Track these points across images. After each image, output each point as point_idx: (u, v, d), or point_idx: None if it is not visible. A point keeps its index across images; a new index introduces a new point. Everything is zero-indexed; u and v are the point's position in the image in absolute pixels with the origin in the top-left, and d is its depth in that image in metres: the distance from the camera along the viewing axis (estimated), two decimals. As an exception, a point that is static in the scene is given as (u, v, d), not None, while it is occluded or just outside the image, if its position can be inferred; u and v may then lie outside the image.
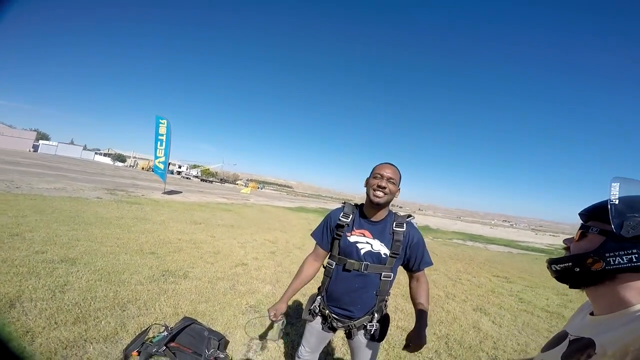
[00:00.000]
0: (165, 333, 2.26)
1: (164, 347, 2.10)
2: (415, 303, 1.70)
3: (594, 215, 0.80)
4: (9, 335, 2.28)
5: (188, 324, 2.48)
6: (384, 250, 1.63)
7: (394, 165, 1.67)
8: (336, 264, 1.69)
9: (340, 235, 1.69)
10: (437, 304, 4.99)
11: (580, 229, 0.82)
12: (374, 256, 1.63)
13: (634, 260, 0.68)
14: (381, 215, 1.68)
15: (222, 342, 2.49)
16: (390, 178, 1.60)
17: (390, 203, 1.68)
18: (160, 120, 16.71)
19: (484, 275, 8.28)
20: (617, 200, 0.72)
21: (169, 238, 6.44)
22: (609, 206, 0.73)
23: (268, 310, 1.78)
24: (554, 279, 0.87)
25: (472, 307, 5.13)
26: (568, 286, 0.84)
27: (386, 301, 1.74)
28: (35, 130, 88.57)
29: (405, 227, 1.66)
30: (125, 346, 2.31)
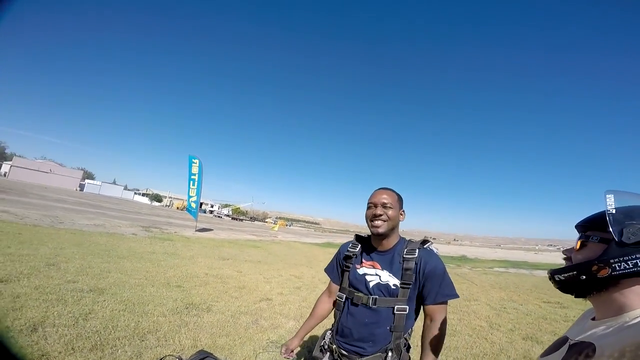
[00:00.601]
0: (178, 364, 2.15)
1: (175, 379, 1.98)
2: (422, 348, 1.46)
3: (592, 225, 0.83)
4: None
5: (203, 357, 2.35)
6: (393, 280, 1.46)
7: (388, 189, 1.56)
8: (346, 297, 1.58)
9: (349, 267, 1.60)
10: (480, 335, 4.49)
11: (579, 238, 0.84)
12: (383, 288, 1.47)
13: (639, 264, 0.70)
14: (389, 243, 1.54)
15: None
16: (385, 203, 1.48)
17: (397, 229, 1.55)
18: (193, 160, 17.53)
19: (532, 302, 7.48)
20: (615, 210, 0.76)
21: (196, 272, 6.46)
22: (607, 216, 0.76)
23: (281, 346, 1.68)
24: (557, 289, 0.87)
25: (522, 336, 4.60)
26: (573, 296, 0.85)
27: (406, 338, 1.50)
28: (82, 169, 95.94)
29: (417, 254, 1.47)
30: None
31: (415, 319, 1.55)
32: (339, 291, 1.63)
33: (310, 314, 1.77)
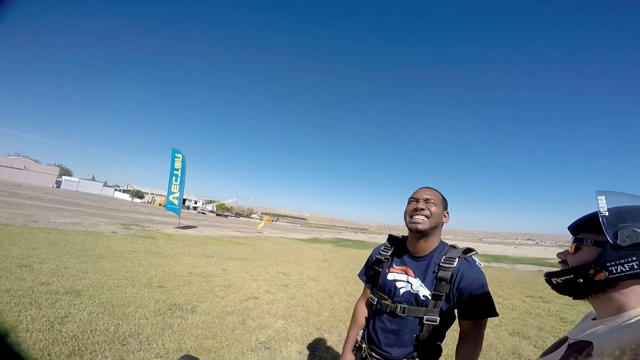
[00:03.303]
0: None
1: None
2: None
3: (585, 227, 0.83)
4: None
5: (188, 362, 2.24)
6: (423, 291, 1.34)
7: (432, 188, 1.43)
8: (377, 300, 1.47)
9: (379, 272, 1.50)
10: None
11: (573, 242, 0.84)
12: (412, 297, 1.36)
13: (635, 267, 0.70)
14: (427, 247, 1.40)
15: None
16: (428, 199, 1.36)
17: (439, 231, 1.42)
18: (176, 155, 17.10)
19: (516, 296, 7.65)
20: (607, 212, 0.75)
21: (179, 271, 6.27)
22: (600, 218, 0.75)
23: None
24: (554, 291, 0.87)
25: (509, 332, 4.67)
26: (572, 298, 0.85)
27: (436, 347, 1.36)
28: (59, 166, 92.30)
29: (456, 264, 1.32)
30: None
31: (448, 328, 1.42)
32: (372, 294, 1.54)
33: (352, 323, 1.65)
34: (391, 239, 1.58)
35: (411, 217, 1.36)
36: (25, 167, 73.37)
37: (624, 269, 0.72)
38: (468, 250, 1.40)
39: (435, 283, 1.32)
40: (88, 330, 2.95)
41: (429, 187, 1.44)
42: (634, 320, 0.68)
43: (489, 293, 1.34)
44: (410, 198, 1.42)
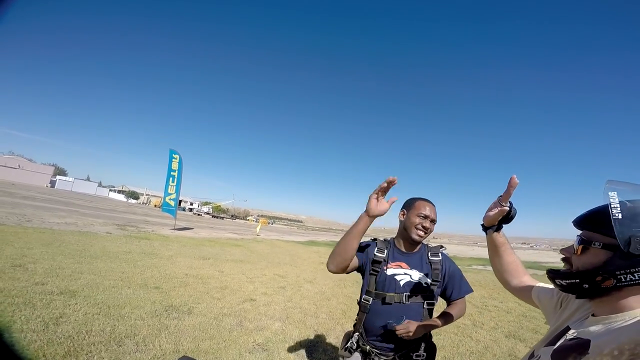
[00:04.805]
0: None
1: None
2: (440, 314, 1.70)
3: (593, 224, 0.78)
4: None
5: (186, 363, 2.22)
6: (424, 279, 1.64)
7: (434, 205, 1.72)
8: (373, 299, 1.64)
9: (377, 271, 1.66)
10: (465, 334, 4.56)
11: (580, 242, 0.79)
12: (414, 286, 1.63)
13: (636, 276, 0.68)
14: (416, 246, 1.72)
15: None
16: (434, 220, 1.68)
17: None
18: (174, 155, 16.99)
19: (512, 300, 7.62)
20: (620, 214, 0.69)
21: (175, 273, 6.23)
22: (612, 222, 0.69)
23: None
24: (557, 288, 0.86)
25: (504, 334, 4.71)
26: (575, 297, 0.84)
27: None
28: (53, 165, 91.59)
29: (440, 257, 1.70)
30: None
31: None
32: (365, 294, 1.68)
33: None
34: (380, 242, 1.76)
35: (417, 230, 1.63)
36: (19, 166, 72.77)
37: (633, 278, 0.69)
38: (441, 246, 1.78)
39: (431, 272, 1.65)
40: (83, 331, 2.92)
41: (433, 205, 1.71)
42: (632, 321, 0.68)
43: (464, 277, 1.77)
44: (419, 211, 1.65)
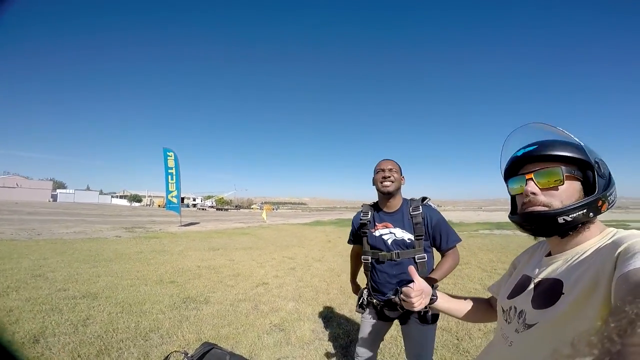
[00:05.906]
0: (185, 360, 2.17)
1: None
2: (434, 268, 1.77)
3: (562, 152, 0.72)
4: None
5: (208, 349, 2.36)
6: (407, 235, 1.73)
7: (391, 160, 1.84)
8: (371, 257, 1.82)
9: (365, 233, 1.85)
10: None
11: (568, 173, 0.71)
12: (400, 243, 1.74)
13: (615, 198, 0.71)
14: (396, 204, 1.82)
15: (246, 366, 2.38)
16: (391, 168, 1.78)
17: (400, 191, 1.85)
18: (168, 153, 17.00)
19: None
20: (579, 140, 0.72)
21: (188, 266, 6.43)
22: (584, 148, 0.71)
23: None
24: (520, 229, 0.79)
25: None
26: (533, 236, 0.79)
27: (431, 280, 1.67)
28: (51, 180, 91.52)
29: (421, 210, 1.76)
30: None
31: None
32: (363, 254, 1.88)
33: (352, 260, 2.16)
34: (365, 206, 1.94)
35: (381, 182, 1.76)
36: (17, 184, 72.69)
37: (612, 199, 0.71)
38: (424, 199, 1.84)
39: (413, 227, 1.74)
40: (110, 330, 3.10)
41: (388, 159, 1.83)
42: (594, 251, 0.67)
43: (450, 225, 1.82)
44: (376, 169, 1.82)
